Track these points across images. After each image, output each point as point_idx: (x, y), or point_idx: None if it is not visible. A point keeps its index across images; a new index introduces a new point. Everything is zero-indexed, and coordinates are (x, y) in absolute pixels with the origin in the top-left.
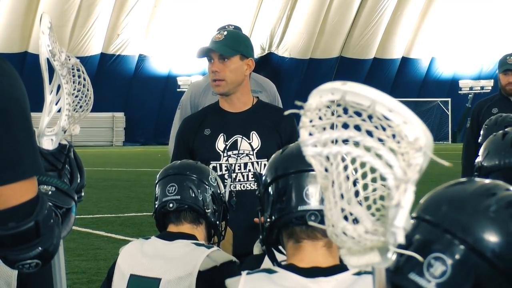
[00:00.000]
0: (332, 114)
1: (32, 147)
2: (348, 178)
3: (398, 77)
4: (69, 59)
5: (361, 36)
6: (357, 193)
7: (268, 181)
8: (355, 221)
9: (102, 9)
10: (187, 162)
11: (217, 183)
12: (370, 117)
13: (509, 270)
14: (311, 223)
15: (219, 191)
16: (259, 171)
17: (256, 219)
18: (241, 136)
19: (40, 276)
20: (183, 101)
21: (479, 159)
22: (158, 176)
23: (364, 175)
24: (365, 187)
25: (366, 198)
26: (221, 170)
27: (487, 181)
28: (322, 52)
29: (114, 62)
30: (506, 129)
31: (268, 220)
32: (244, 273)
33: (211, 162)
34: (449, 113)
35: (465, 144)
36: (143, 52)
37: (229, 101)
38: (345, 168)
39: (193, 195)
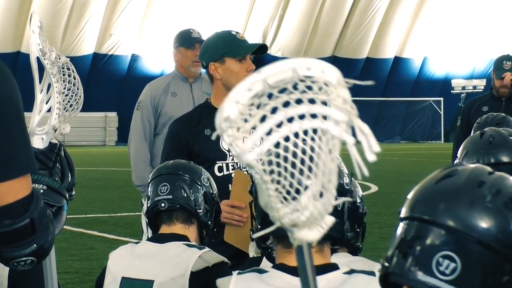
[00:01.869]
0: (258, 107)
1: (26, 145)
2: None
3: (390, 77)
4: (59, 58)
5: (353, 36)
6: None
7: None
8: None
9: (94, 9)
10: (180, 162)
11: (210, 183)
12: (294, 87)
13: None
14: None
15: (211, 191)
16: None
17: None
18: None
19: (32, 275)
20: (142, 102)
21: (457, 160)
22: (151, 175)
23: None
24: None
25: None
26: (227, 169)
27: (469, 168)
28: (314, 52)
29: (107, 62)
30: (484, 129)
31: (259, 227)
32: (235, 273)
33: (217, 162)
34: (442, 113)
35: (455, 143)
36: (136, 52)
37: None
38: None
39: (185, 195)
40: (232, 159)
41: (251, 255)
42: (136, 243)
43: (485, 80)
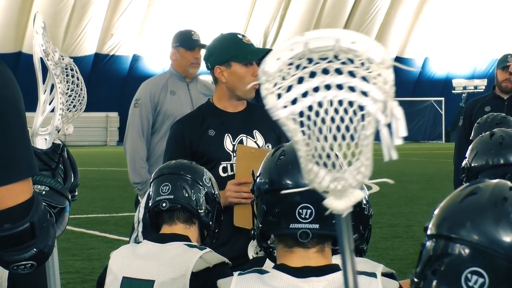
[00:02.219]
0: (297, 68)
1: (27, 148)
2: (324, 124)
3: None
4: (63, 59)
5: None
6: (335, 138)
7: (261, 190)
8: (335, 166)
9: (96, 9)
10: (182, 162)
11: (211, 183)
12: (335, 56)
13: None
14: (302, 241)
15: (213, 192)
16: None
17: None
18: (246, 136)
19: (32, 277)
20: (141, 99)
21: (466, 160)
22: (153, 175)
23: (342, 119)
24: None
25: (347, 141)
26: (232, 170)
27: (492, 185)
28: None
29: (108, 62)
30: (493, 130)
31: (260, 226)
32: (235, 273)
33: (222, 162)
34: (443, 113)
35: (457, 143)
36: (137, 52)
37: (237, 102)
38: (323, 119)
39: (187, 195)
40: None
41: (250, 256)
42: (138, 243)
43: (486, 80)
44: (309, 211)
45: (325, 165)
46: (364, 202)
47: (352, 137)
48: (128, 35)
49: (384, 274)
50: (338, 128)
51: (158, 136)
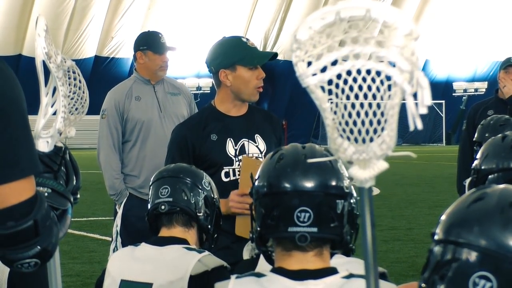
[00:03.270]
0: (328, 36)
1: (30, 146)
2: (352, 92)
3: None
4: (65, 62)
5: None
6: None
7: (260, 193)
8: (360, 133)
9: (96, 11)
10: (182, 165)
11: (211, 187)
12: (365, 27)
13: None
14: (300, 244)
15: (212, 195)
16: None
17: None
18: (247, 140)
19: (32, 279)
20: (107, 109)
21: (477, 162)
22: (152, 178)
23: (369, 87)
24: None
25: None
26: (234, 175)
27: (498, 190)
28: None
29: (108, 65)
30: (506, 133)
31: (259, 229)
32: (233, 277)
33: (224, 167)
34: (443, 115)
35: (460, 146)
36: None
37: (240, 105)
38: (350, 87)
39: (186, 198)
40: (238, 165)
41: (245, 257)
42: (136, 246)
43: (486, 82)
44: (307, 214)
45: (351, 132)
46: (353, 201)
47: (378, 106)
48: (128, 38)
49: None
50: (366, 96)
51: (130, 143)
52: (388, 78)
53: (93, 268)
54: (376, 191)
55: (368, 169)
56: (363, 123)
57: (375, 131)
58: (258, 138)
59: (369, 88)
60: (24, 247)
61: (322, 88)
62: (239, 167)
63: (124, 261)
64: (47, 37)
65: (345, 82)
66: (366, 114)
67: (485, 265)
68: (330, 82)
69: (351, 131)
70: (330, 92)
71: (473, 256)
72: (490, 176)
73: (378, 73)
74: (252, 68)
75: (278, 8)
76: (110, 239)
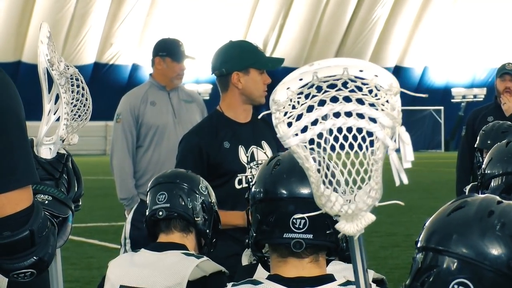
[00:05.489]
0: (306, 97)
1: (27, 156)
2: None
3: None
4: (68, 69)
5: (354, 45)
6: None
7: (256, 198)
8: (344, 191)
9: (95, 18)
10: (178, 171)
11: (208, 192)
12: (343, 84)
13: None
14: (296, 251)
15: (209, 200)
16: None
17: None
18: (256, 147)
19: (32, 284)
20: (122, 114)
21: (483, 166)
22: (149, 184)
23: (350, 146)
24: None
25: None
26: (247, 182)
27: (479, 199)
28: (315, 61)
29: (108, 71)
30: (511, 138)
31: (254, 235)
32: (229, 285)
33: (238, 175)
34: (442, 122)
35: (459, 153)
36: (136, 61)
37: (248, 110)
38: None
39: (183, 203)
40: (251, 172)
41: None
42: (135, 251)
43: (485, 89)
44: (303, 221)
45: (335, 190)
46: None
47: (361, 163)
48: (127, 44)
49: (374, 281)
50: (348, 151)
51: (143, 148)
52: (370, 134)
53: (92, 273)
54: (400, 203)
55: (356, 221)
56: (347, 178)
57: (359, 187)
58: (264, 144)
59: (351, 146)
60: (20, 257)
61: (304, 147)
62: (251, 174)
63: (123, 267)
64: (50, 44)
65: (326, 141)
66: (350, 173)
67: (464, 272)
68: (312, 141)
69: (337, 185)
70: (312, 150)
71: (452, 263)
72: (493, 180)
73: (360, 130)
74: (261, 73)
75: (277, 14)
76: (108, 245)
